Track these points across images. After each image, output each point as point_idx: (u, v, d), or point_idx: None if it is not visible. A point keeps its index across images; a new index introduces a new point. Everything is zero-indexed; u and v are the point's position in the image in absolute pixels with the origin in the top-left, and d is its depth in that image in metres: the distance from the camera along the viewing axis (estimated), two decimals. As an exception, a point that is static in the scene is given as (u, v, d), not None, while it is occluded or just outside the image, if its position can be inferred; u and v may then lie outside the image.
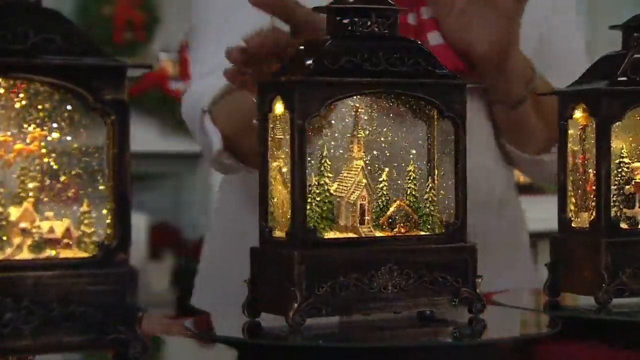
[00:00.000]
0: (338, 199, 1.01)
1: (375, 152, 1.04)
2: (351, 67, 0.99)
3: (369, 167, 1.03)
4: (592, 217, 1.14)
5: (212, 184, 6.90)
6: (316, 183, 1.00)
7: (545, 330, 1.05)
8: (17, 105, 0.85)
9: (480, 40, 1.45)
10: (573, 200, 1.17)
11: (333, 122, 1.02)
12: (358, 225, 1.01)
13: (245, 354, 0.95)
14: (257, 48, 1.03)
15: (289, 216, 0.98)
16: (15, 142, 0.85)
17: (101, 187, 0.85)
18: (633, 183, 1.15)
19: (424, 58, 1.01)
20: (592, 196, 1.14)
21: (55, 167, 0.85)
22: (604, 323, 1.11)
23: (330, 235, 1.00)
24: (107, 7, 6.78)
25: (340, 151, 1.02)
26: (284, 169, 1.00)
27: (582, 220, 1.16)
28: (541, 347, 1.04)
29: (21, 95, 0.84)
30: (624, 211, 1.15)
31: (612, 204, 1.13)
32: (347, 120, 1.03)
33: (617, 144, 1.15)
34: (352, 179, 1.02)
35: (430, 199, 1.05)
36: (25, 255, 0.83)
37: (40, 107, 0.85)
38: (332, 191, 1.01)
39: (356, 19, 1.01)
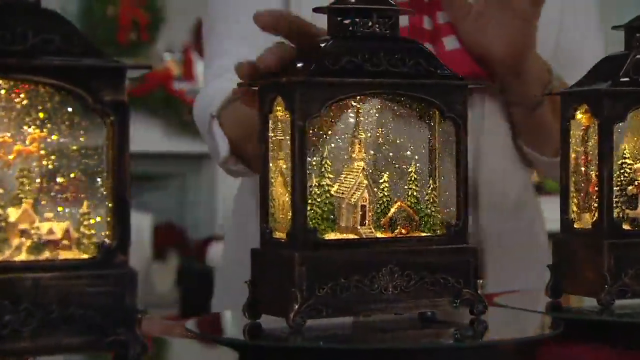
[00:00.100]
0: (339, 200, 1.01)
1: (376, 153, 1.04)
2: (352, 67, 0.98)
3: (370, 168, 1.03)
4: (595, 218, 1.13)
5: (217, 184, 6.91)
6: (317, 184, 1.00)
7: (548, 332, 1.05)
8: (17, 106, 0.84)
9: (496, 43, 1.44)
10: (575, 201, 1.16)
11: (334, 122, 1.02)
12: (359, 226, 1.01)
13: (246, 355, 0.95)
14: (269, 65, 1.01)
15: (289, 217, 0.98)
16: (14, 143, 0.85)
17: (101, 188, 0.84)
18: (636, 184, 1.15)
19: (424, 59, 1.01)
20: (594, 197, 1.14)
21: (54, 168, 0.85)
22: (606, 324, 1.10)
23: (331, 236, 1.00)
24: (112, 8, 6.79)
25: (341, 152, 1.02)
26: (285, 170, 1.00)
27: (584, 221, 1.15)
28: (543, 349, 1.04)
29: (21, 96, 0.84)
30: (626, 212, 1.15)
31: (614, 205, 1.12)
32: (349, 120, 1.03)
33: (621, 145, 1.14)
34: (353, 180, 1.02)
35: (431, 200, 1.04)
36: (24, 256, 0.83)
37: (40, 108, 0.84)
38: (332, 192, 1.01)
39: (357, 20, 1.01)
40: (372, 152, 1.03)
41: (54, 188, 0.85)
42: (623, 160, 1.15)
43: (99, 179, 0.85)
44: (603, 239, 1.11)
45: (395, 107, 1.04)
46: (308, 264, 0.97)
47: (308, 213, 0.98)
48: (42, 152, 0.85)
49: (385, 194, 1.04)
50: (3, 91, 0.84)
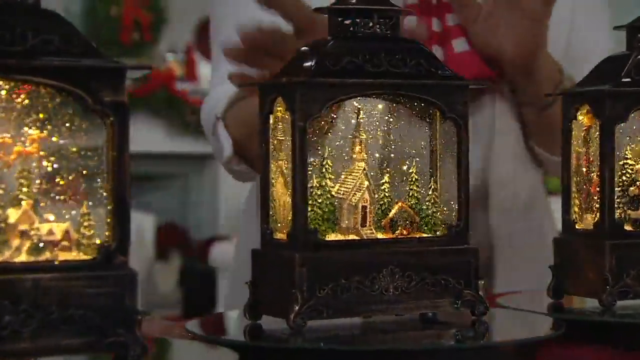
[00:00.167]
0: (339, 201, 1.01)
1: (377, 154, 1.03)
2: (353, 68, 0.98)
3: (371, 169, 1.03)
4: (596, 219, 1.13)
5: (219, 184, 6.91)
6: (317, 185, 1.00)
7: (549, 333, 1.04)
8: (17, 107, 0.84)
9: (506, 43, 1.44)
10: (577, 202, 1.16)
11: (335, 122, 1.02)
12: (360, 227, 1.01)
13: (247, 356, 0.95)
14: (251, 42, 1.02)
15: (290, 218, 0.98)
16: (14, 144, 0.84)
17: (100, 189, 0.84)
18: (637, 184, 1.15)
19: (425, 59, 1.01)
20: (596, 198, 1.13)
21: (54, 169, 0.85)
22: (608, 325, 1.10)
23: (332, 237, 1.00)
24: (115, 8, 6.80)
25: (342, 153, 1.02)
26: (286, 171, 1.00)
27: (586, 222, 1.15)
28: (544, 350, 1.03)
29: (21, 97, 0.84)
30: (628, 213, 1.14)
31: (616, 205, 1.12)
32: (350, 121, 1.03)
33: (622, 146, 1.14)
34: (354, 181, 1.01)
35: (432, 201, 1.04)
36: (24, 257, 0.83)
37: (40, 108, 0.84)
38: (333, 193, 1.01)
39: (358, 20, 1.01)
40: (373, 152, 1.03)
41: (54, 189, 0.85)
42: (625, 161, 1.15)
43: (98, 180, 0.84)
44: (605, 240, 1.11)
45: (396, 108, 1.04)
46: (309, 264, 0.96)
47: (309, 214, 0.98)
48: (42, 153, 0.84)
49: (386, 194, 1.03)
50: (3, 92, 0.84)
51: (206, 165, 7.11)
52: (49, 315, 0.81)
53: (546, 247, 1.63)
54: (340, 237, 1.00)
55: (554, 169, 1.61)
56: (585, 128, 1.16)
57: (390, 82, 1.00)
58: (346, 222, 1.01)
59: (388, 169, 1.04)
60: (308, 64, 0.98)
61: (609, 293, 1.10)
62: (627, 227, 1.13)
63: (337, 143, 1.02)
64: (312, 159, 0.99)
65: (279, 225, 1.01)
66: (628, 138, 1.15)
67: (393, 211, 1.03)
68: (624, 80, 1.12)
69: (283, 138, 1.00)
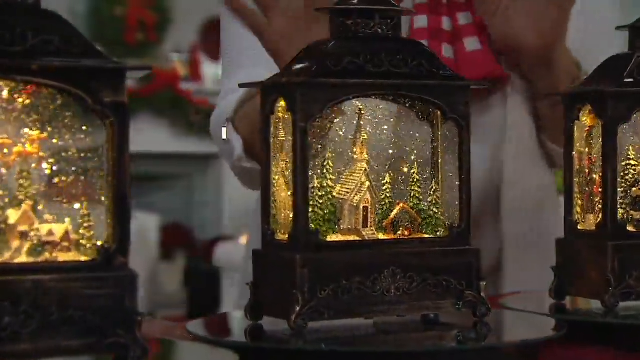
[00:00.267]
0: (341, 202, 1.01)
1: (378, 154, 1.03)
2: (354, 68, 0.98)
3: (372, 170, 1.02)
4: (599, 219, 1.13)
5: (224, 184, 6.91)
6: (319, 185, 1.00)
7: (551, 334, 1.04)
8: (18, 107, 0.84)
9: (528, 33, 1.44)
10: (579, 202, 1.16)
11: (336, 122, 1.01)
12: (361, 228, 1.01)
13: (247, 357, 0.94)
14: None
15: (291, 219, 0.98)
16: (15, 145, 0.84)
17: (100, 190, 0.84)
18: (640, 185, 1.14)
19: (427, 59, 1.01)
20: (598, 199, 1.13)
21: (54, 169, 0.85)
22: (610, 326, 1.10)
23: (333, 238, 1.00)
24: (119, 8, 6.81)
25: (343, 154, 1.02)
26: (287, 172, 0.99)
27: (588, 222, 1.15)
28: (547, 351, 1.03)
29: (22, 98, 0.84)
30: (630, 214, 1.14)
31: (618, 206, 1.12)
32: (351, 121, 1.02)
33: (624, 146, 1.14)
34: (355, 182, 1.01)
35: (434, 202, 1.04)
36: (24, 258, 0.83)
37: (40, 109, 0.84)
38: (334, 194, 1.01)
39: (359, 20, 1.01)
40: (374, 153, 1.03)
41: (54, 190, 0.84)
42: (627, 162, 1.14)
43: (99, 181, 0.84)
44: (607, 241, 1.11)
45: (398, 108, 1.04)
46: (310, 265, 0.96)
47: (310, 214, 0.98)
48: (42, 153, 0.84)
49: (388, 195, 1.03)
50: (5, 93, 0.84)
51: (210, 165, 7.11)
52: (48, 317, 0.81)
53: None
54: (341, 238, 1.00)
55: None
56: (587, 128, 1.15)
57: (392, 83, 1.00)
58: (347, 223, 1.01)
59: (389, 170, 1.04)
60: (309, 64, 0.98)
61: (611, 294, 1.10)
62: (630, 228, 1.13)
63: (338, 143, 1.01)
64: (313, 160, 0.98)
65: (280, 226, 1.00)
66: (632, 138, 1.14)
67: (394, 212, 1.03)
68: (626, 80, 1.12)
69: (284, 138, 1.00)
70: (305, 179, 0.97)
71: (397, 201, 1.03)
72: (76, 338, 0.82)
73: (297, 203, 0.97)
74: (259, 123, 1.02)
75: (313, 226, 0.98)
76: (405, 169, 1.04)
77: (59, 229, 0.84)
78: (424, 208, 1.04)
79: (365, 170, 1.01)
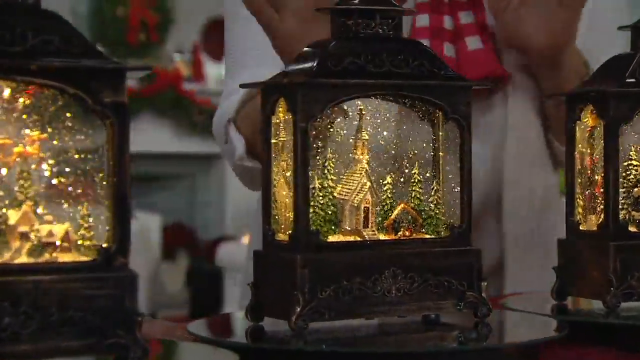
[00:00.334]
0: (341, 202, 1.01)
1: (379, 155, 1.03)
2: (355, 68, 0.98)
3: (373, 170, 1.02)
4: (601, 220, 1.12)
5: (226, 184, 6.91)
6: (319, 186, 0.99)
7: (553, 334, 1.04)
8: (18, 107, 0.84)
9: (538, 33, 1.43)
10: (581, 203, 1.15)
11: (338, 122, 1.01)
12: (362, 228, 1.01)
13: (248, 358, 0.94)
14: None
15: (291, 219, 0.97)
16: (15, 145, 0.84)
17: (101, 190, 0.84)
18: (642, 185, 1.14)
19: (428, 60, 1.00)
20: (600, 199, 1.13)
21: (54, 170, 0.84)
22: (612, 327, 1.09)
23: (334, 238, 1.00)
24: (122, 8, 6.81)
25: (344, 154, 1.01)
26: (287, 172, 0.99)
27: (590, 223, 1.14)
28: (548, 352, 1.03)
29: (22, 98, 0.84)
30: (632, 214, 1.14)
31: (620, 206, 1.12)
32: (352, 122, 1.02)
33: (626, 147, 1.14)
34: (356, 182, 1.01)
35: (435, 202, 1.04)
36: (24, 259, 0.82)
37: (40, 110, 0.84)
38: (335, 194, 1.00)
39: (360, 20, 1.00)
40: (375, 153, 1.03)
41: (54, 190, 0.84)
42: (629, 162, 1.14)
43: (99, 181, 0.84)
44: (609, 241, 1.11)
45: (399, 108, 1.03)
46: (310, 266, 0.96)
47: (310, 215, 0.97)
48: (42, 154, 0.84)
49: (389, 195, 1.03)
50: (6, 93, 0.84)
51: (213, 166, 7.12)
52: (48, 317, 0.80)
53: None
54: (342, 238, 1.00)
55: None
56: (589, 128, 1.15)
57: (393, 83, 0.99)
58: (348, 223, 1.00)
59: (390, 170, 1.03)
60: (310, 64, 0.98)
61: (613, 295, 1.10)
62: (632, 229, 1.13)
63: (339, 144, 1.01)
64: (314, 160, 0.98)
65: (281, 226, 1.00)
66: (634, 137, 1.14)
67: (395, 212, 1.03)
68: (628, 80, 1.11)
69: (285, 139, 0.99)
70: (306, 180, 0.97)
71: (398, 201, 1.03)
72: (76, 339, 0.81)
73: (297, 203, 0.97)
74: (260, 123, 1.02)
75: (314, 226, 0.98)
76: (407, 170, 1.04)
77: (59, 230, 0.84)
78: (425, 208, 1.04)
79: (366, 170, 1.01)
